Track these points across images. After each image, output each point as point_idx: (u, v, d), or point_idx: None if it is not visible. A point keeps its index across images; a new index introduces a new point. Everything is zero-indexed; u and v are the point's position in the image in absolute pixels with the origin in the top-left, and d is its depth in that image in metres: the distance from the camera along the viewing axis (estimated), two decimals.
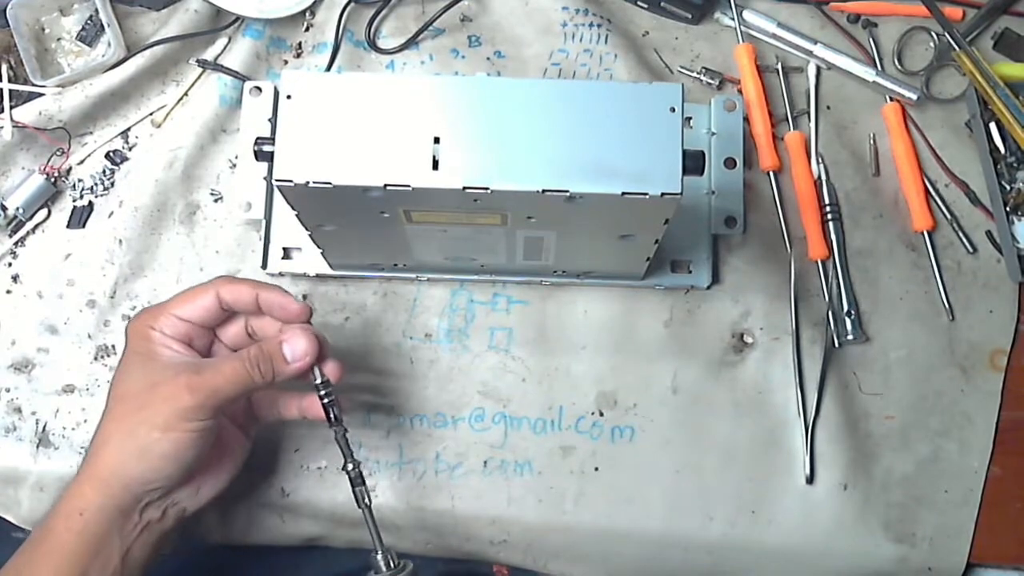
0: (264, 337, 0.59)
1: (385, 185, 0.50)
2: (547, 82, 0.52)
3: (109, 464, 0.54)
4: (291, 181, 0.50)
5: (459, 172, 0.50)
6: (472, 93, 0.51)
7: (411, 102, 0.51)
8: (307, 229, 0.59)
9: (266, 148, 0.51)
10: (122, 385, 0.56)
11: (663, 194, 0.50)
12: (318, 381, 0.57)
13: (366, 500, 0.57)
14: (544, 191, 0.50)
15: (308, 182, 0.50)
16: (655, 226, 0.57)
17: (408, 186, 0.50)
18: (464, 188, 0.50)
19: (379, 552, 0.57)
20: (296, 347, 0.56)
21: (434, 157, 0.50)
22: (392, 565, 0.57)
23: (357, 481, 0.57)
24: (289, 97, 0.51)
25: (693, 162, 0.51)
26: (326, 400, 0.58)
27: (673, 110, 0.51)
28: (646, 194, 0.50)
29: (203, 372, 0.54)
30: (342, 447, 0.58)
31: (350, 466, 0.57)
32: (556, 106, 0.51)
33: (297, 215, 0.56)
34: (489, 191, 0.50)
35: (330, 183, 0.50)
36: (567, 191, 0.50)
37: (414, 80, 0.52)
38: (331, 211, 0.55)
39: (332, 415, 0.58)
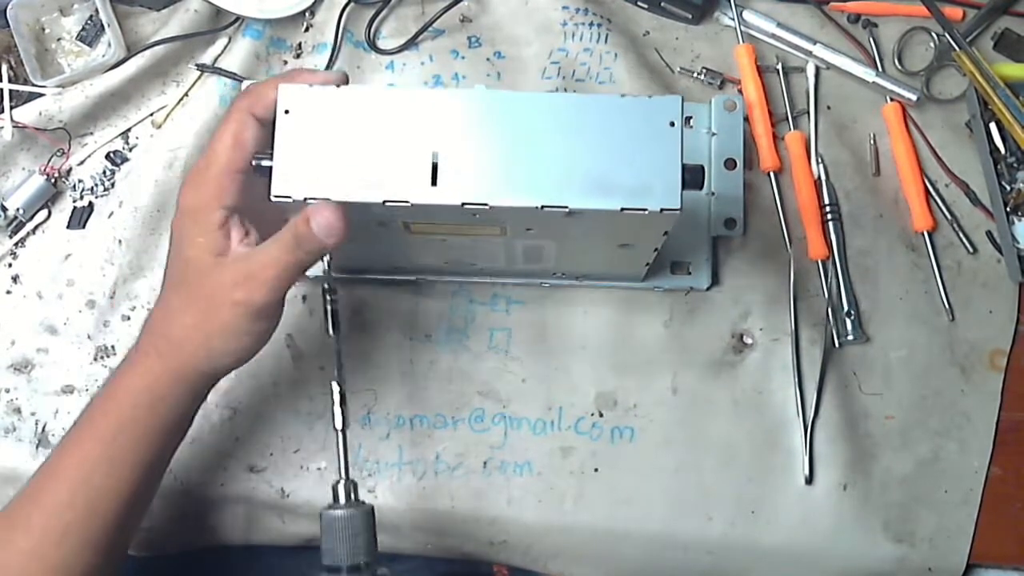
0: None
1: (384, 202, 0.50)
2: (546, 96, 0.51)
3: (189, 362, 0.54)
4: (289, 197, 0.50)
5: (458, 188, 0.50)
6: (471, 107, 0.51)
7: (409, 116, 0.50)
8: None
9: (264, 163, 0.51)
10: (191, 289, 0.53)
11: (663, 210, 0.50)
12: (326, 286, 0.55)
13: (342, 424, 0.54)
14: (543, 207, 0.50)
15: (306, 199, 0.50)
16: (654, 237, 0.57)
17: (407, 202, 0.50)
18: (463, 204, 0.50)
19: (341, 481, 0.53)
20: (319, 223, 0.50)
21: (433, 172, 0.50)
22: (351, 499, 0.53)
23: (340, 400, 0.54)
24: (287, 112, 0.50)
25: (692, 177, 0.50)
26: (329, 306, 0.55)
27: (672, 124, 0.50)
28: (645, 210, 0.50)
29: (257, 266, 0.52)
30: (337, 360, 0.55)
31: (335, 383, 0.54)
32: (555, 120, 0.50)
33: None
34: (488, 207, 0.50)
35: (328, 199, 0.50)
36: (566, 207, 0.50)
37: (412, 94, 0.51)
38: None
39: (333, 321, 0.55)
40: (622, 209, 0.50)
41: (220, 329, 0.53)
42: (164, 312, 0.55)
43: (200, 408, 0.58)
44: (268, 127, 0.53)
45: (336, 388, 0.54)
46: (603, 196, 0.50)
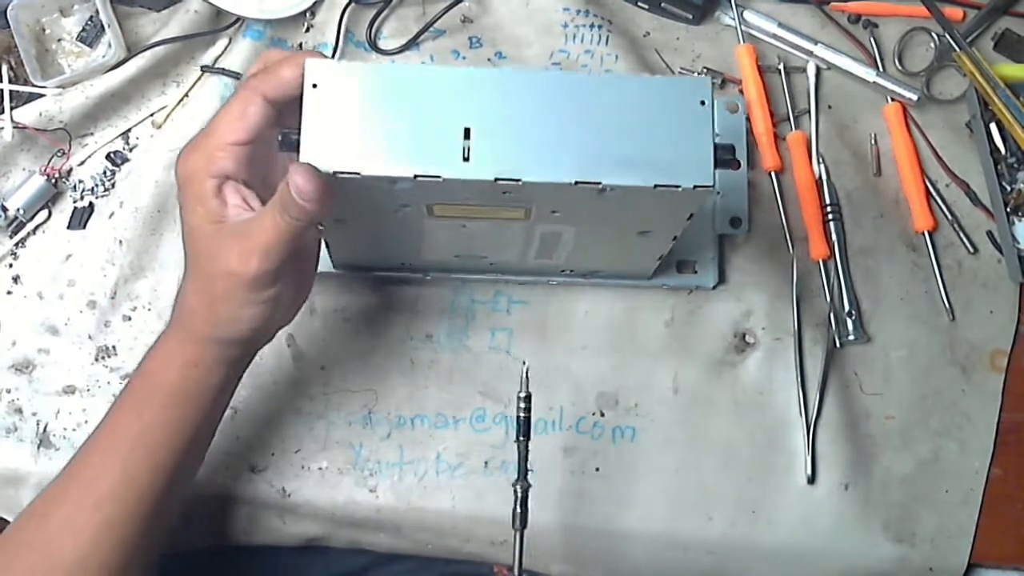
0: None
1: (415, 176, 0.49)
2: (577, 75, 0.51)
3: (203, 330, 0.54)
4: (317, 171, 0.49)
5: (490, 163, 0.49)
6: (501, 84, 0.50)
7: (440, 92, 0.50)
8: (321, 224, 0.58)
9: (293, 137, 0.50)
10: (198, 259, 0.54)
11: (696, 187, 0.50)
12: (522, 394, 0.55)
13: (521, 524, 0.55)
14: (577, 183, 0.50)
15: (335, 172, 0.49)
16: (678, 221, 0.56)
17: (439, 177, 0.49)
18: (496, 180, 0.49)
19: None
20: (293, 187, 0.49)
21: (465, 148, 0.49)
22: None
23: (522, 501, 0.55)
24: (315, 86, 0.50)
25: (724, 154, 0.51)
26: (523, 414, 0.55)
27: (703, 103, 0.51)
28: (679, 186, 0.50)
29: (251, 234, 0.51)
30: (521, 461, 0.56)
31: (519, 485, 0.55)
32: (586, 99, 0.50)
33: None
34: (521, 183, 0.49)
35: (358, 173, 0.49)
36: (600, 183, 0.50)
37: (442, 70, 0.51)
38: (350, 204, 0.54)
39: (526, 429, 0.56)
40: (655, 186, 0.50)
41: (222, 297, 0.53)
42: (183, 282, 0.55)
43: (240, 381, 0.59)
44: (277, 106, 0.52)
45: (519, 490, 0.55)
46: (636, 173, 0.50)
